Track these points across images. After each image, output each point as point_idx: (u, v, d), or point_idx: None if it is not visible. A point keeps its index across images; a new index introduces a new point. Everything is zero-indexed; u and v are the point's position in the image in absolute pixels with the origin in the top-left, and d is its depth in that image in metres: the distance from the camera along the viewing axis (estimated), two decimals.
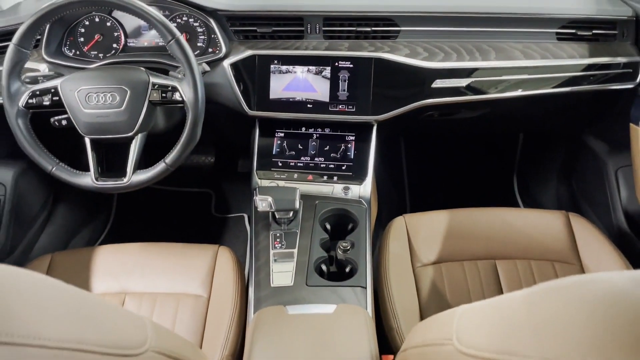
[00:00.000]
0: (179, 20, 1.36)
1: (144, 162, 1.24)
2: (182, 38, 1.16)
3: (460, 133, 1.98)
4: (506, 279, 1.18)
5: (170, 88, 1.17)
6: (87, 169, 1.19)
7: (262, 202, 1.19)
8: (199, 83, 1.16)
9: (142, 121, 1.19)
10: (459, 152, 2.10)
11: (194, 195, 2.03)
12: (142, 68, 1.23)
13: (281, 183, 1.33)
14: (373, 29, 1.38)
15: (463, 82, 1.34)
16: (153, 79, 1.18)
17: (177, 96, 1.18)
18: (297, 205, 1.17)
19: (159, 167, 1.19)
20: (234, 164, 2.01)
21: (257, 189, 1.28)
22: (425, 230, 1.31)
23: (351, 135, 1.38)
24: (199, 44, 1.34)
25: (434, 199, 1.98)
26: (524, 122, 1.77)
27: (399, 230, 1.30)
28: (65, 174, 1.14)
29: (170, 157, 1.18)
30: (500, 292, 1.16)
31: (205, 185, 2.04)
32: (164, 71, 1.25)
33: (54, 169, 1.14)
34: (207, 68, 1.33)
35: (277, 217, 1.22)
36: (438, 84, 1.34)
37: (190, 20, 1.37)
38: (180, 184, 2.02)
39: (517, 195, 2.02)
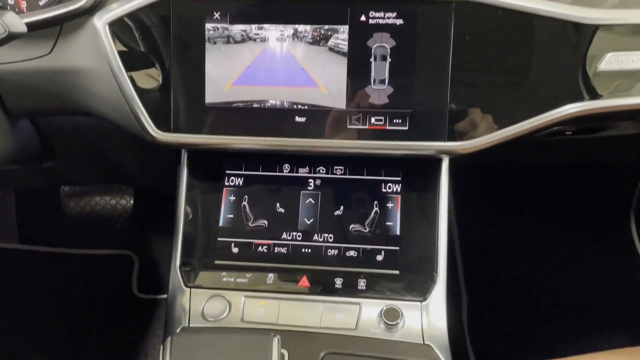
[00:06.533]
0: None
1: None
2: None
3: (552, 159, 1.23)
4: None
5: None
6: None
7: None
8: None
9: None
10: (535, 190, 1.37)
11: (103, 261, 1.29)
12: None
13: (236, 298, 0.63)
14: None
15: None
16: None
17: None
18: None
19: None
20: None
21: (170, 337, 0.52)
22: None
23: (393, 183, 0.67)
24: None
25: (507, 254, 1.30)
26: None
27: None
28: None
29: None
30: None
31: (122, 243, 1.31)
32: None
33: None
34: (18, 26, 0.51)
35: None
36: (611, 62, 0.58)
37: None
38: (84, 243, 1.29)
39: (636, 242, 1.35)
